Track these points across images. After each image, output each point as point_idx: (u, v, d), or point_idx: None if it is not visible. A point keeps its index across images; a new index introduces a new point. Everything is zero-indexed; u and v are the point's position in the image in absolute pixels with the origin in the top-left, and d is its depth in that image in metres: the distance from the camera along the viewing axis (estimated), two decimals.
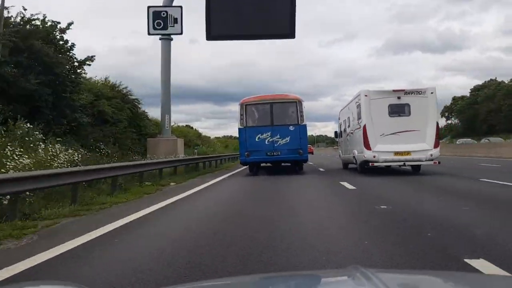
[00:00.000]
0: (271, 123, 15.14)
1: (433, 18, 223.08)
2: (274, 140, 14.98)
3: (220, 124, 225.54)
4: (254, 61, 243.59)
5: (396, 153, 13.52)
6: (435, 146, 13.66)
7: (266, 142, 15.00)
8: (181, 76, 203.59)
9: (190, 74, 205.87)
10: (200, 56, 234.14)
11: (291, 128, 15.04)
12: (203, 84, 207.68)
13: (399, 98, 13.86)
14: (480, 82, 72.25)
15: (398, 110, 13.84)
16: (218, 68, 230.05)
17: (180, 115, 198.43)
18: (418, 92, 14.02)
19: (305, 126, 15.49)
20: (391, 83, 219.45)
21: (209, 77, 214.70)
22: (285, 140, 14.94)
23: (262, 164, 17.02)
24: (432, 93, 14.00)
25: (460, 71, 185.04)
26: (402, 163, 14.12)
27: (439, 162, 13.77)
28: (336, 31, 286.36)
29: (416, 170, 14.61)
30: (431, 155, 13.51)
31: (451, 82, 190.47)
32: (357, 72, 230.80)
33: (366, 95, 14.15)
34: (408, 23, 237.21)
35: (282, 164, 16.61)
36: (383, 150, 13.52)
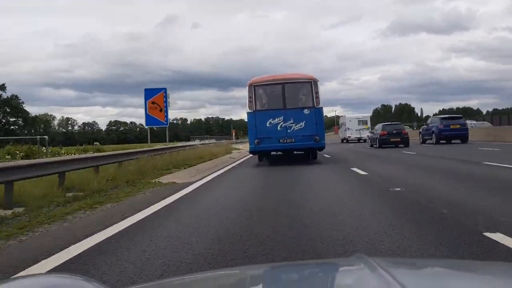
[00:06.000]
0: (284, 106, 13.50)
1: None
2: (287, 126, 13.37)
3: (225, 110, 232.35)
4: (259, 46, 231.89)
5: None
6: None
7: (279, 128, 13.37)
8: (185, 62, 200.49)
9: (194, 60, 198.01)
10: (203, 41, 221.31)
11: (306, 111, 13.46)
12: (207, 70, 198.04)
13: None
14: (487, 63, 70.85)
15: None
16: (222, 53, 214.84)
17: (185, 101, 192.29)
18: None
19: (321, 109, 13.99)
20: (396, 65, 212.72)
21: (213, 63, 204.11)
22: (299, 125, 13.37)
23: (272, 153, 15.36)
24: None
25: (467, 52, 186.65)
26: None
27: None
28: (340, 14, 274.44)
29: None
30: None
31: (457, 63, 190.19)
32: (362, 55, 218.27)
33: None
34: (413, 4, 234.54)
35: (295, 152, 15.08)
36: None
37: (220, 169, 12.65)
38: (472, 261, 2.74)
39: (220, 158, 18.58)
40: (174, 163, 13.37)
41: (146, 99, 22.89)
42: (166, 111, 22.93)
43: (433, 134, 24.56)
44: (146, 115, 22.80)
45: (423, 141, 25.98)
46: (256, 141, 13.29)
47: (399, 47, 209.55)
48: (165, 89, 23.16)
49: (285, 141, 13.28)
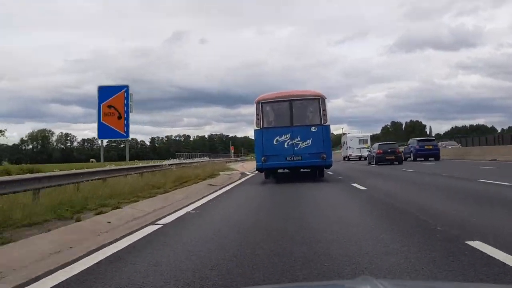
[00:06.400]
0: (291, 124, 13.39)
1: (445, 15, 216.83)
2: (294, 143, 13.18)
3: (230, 128, 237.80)
4: (265, 62, 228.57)
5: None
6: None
7: (286, 146, 13.16)
8: (192, 78, 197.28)
9: (201, 76, 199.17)
10: (210, 57, 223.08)
11: (313, 129, 13.29)
12: (213, 86, 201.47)
13: None
14: (494, 80, 68.26)
15: None
16: (228, 69, 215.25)
17: (191, 118, 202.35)
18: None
19: (328, 127, 13.75)
20: (403, 82, 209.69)
21: (220, 79, 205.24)
22: (306, 143, 13.16)
23: (279, 171, 15.39)
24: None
25: (475, 69, 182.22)
26: None
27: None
28: (347, 30, 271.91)
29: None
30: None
31: (465, 80, 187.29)
32: (368, 72, 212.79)
33: None
34: (420, 20, 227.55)
35: (301, 170, 15.04)
36: None
37: (162, 217, 6.55)
38: (483, 284, 2.72)
39: (188, 187, 12.44)
40: (84, 203, 7.19)
41: (100, 101, 16.51)
42: (127, 119, 16.58)
43: (411, 153, 30.59)
44: (99, 123, 16.49)
45: (405, 159, 30.22)
46: (263, 158, 13.20)
47: (406, 63, 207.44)
48: (126, 87, 16.61)
49: (292, 158, 13.09)
